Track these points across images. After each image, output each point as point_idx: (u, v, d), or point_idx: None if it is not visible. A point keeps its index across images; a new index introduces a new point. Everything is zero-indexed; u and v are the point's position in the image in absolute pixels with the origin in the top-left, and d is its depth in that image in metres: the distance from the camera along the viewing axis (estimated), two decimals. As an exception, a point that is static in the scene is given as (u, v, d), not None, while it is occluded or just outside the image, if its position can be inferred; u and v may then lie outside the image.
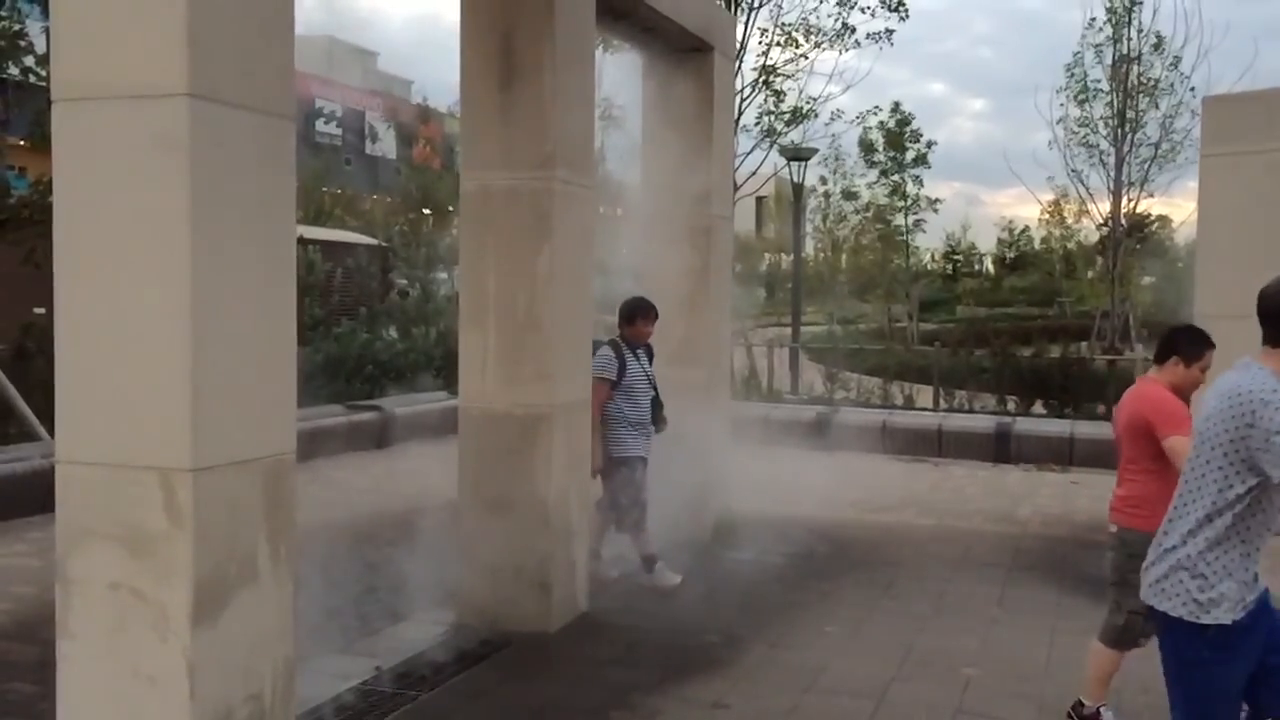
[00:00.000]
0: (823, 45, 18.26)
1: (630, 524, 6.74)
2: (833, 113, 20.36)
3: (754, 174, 19.14)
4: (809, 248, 38.86)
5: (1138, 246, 27.55)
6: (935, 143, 35.15)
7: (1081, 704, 4.70)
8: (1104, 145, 23.37)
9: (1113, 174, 23.16)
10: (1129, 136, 22.90)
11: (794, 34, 18.09)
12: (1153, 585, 3.21)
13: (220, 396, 3.59)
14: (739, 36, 16.05)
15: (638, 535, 6.74)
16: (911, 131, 34.09)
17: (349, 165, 38.63)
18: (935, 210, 36.66)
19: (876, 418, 12.89)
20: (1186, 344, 4.56)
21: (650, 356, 6.98)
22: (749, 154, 18.74)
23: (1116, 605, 4.62)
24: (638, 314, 6.87)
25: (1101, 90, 23.47)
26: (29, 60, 10.83)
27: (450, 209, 25.19)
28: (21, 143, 12.44)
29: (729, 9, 16.11)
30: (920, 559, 7.64)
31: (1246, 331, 4.81)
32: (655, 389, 6.94)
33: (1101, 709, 4.67)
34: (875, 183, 34.64)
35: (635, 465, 6.72)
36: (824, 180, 34.75)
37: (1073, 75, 23.87)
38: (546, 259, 5.82)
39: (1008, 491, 10.35)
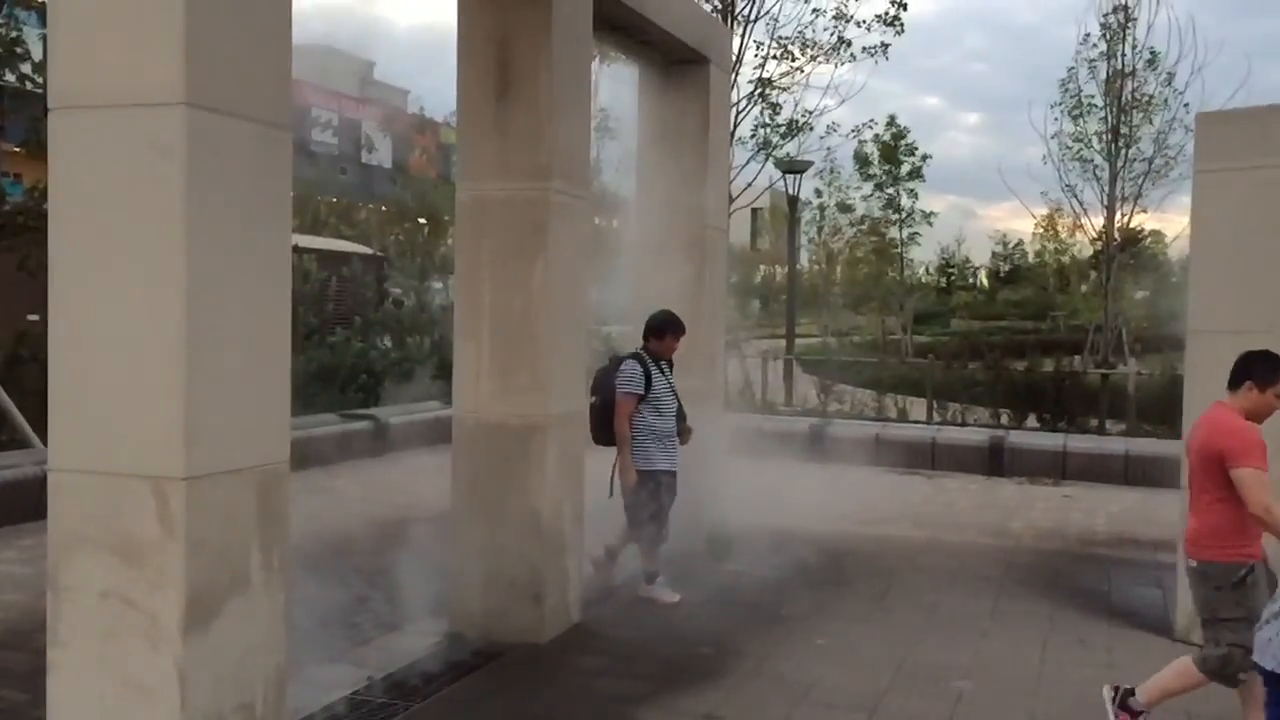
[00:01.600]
0: (818, 59, 18.30)
1: (644, 536, 6.72)
2: (828, 126, 20.36)
3: (749, 186, 19.17)
4: (804, 260, 38.89)
5: (1131, 261, 27.57)
6: (930, 156, 35.16)
7: (1133, 693, 4.60)
8: (1098, 160, 23.39)
9: (1106, 189, 23.21)
10: (1123, 152, 22.93)
11: (790, 47, 18.14)
12: (1263, 646, 3.17)
13: (214, 405, 3.58)
14: (735, 49, 16.09)
15: (648, 549, 6.74)
16: (906, 145, 34.15)
17: (344, 174, 38.62)
18: (930, 223, 36.67)
19: (870, 430, 12.91)
20: (1262, 369, 4.46)
21: (670, 368, 6.97)
22: (744, 166, 18.77)
23: (1214, 641, 4.46)
24: (669, 329, 6.85)
25: (1095, 105, 23.50)
26: (25, 67, 10.85)
27: (446, 219, 25.21)
28: (17, 149, 12.43)
29: (725, 22, 16.17)
30: (913, 571, 7.64)
31: (1239, 347, 4.83)
32: (679, 400, 6.93)
33: (1146, 715, 4.59)
34: (870, 196, 34.69)
35: (660, 479, 6.70)
36: (819, 193, 34.73)
37: (1067, 90, 23.91)
38: (541, 269, 5.83)
39: (1001, 505, 10.36)
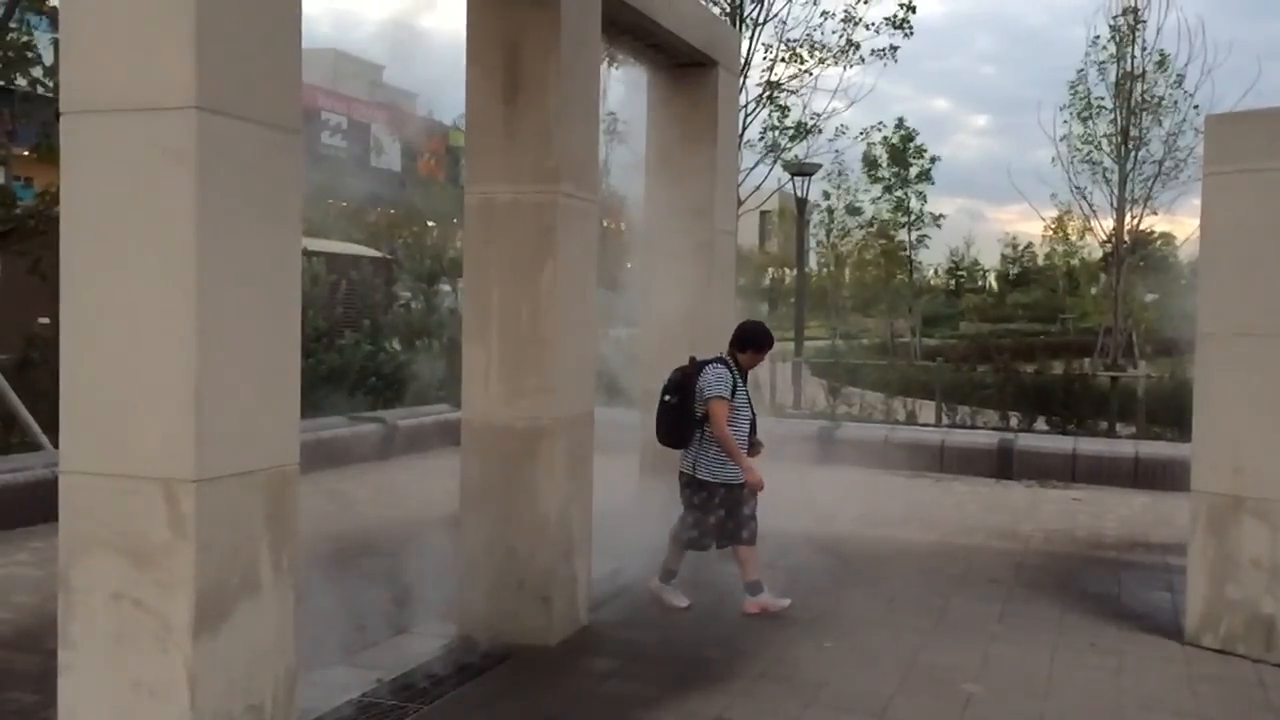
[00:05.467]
0: (827, 61, 18.31)
1: (682, 540, 6.67)
2: (837, 128, 20.37)
3: (758, 188, 19.18)
4: (812, 262, 38.87)
5: (1141, 263, 27.53)
6: (939, 158, 35.19)
7: None
8: (1107, 162, 23.40)
9: (1116, 191, 23.19)
10: (1132, 154, 22.92)
11: (798, 50, 18.15)
12: None
13: (224, 407, 3.60)
14: (743, 52, 16.10)
15: (677, 550, 6.69)
16: (915, 147, 34.13)
17: (353, 177, 38.65)
18: (939, 226, 36.69)
19: (879, 433, 12.89)
20: None
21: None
22: (753, 168, 18.78)
23: None
24: (766, 345, 6.73)
25: (1105, 107, 23.51)
26: (37, 71, 10.90)
27: (454, 222, 25.25)
28: (28, 153, 12.48)
29: (734, 25, 16.17)
30: (922, 574, 7.62)
31: (1247, 349, 4.82)
32: (754, 413, 6.79)
33: None
34: (879, 198, 34.69)
35: (720, 490, 6.55)
36: (827, 195, 34.73)
37: (1076, 92, 23.92)
38: (550, 272, 5.84)
39: (1010, 507, 10.33)
